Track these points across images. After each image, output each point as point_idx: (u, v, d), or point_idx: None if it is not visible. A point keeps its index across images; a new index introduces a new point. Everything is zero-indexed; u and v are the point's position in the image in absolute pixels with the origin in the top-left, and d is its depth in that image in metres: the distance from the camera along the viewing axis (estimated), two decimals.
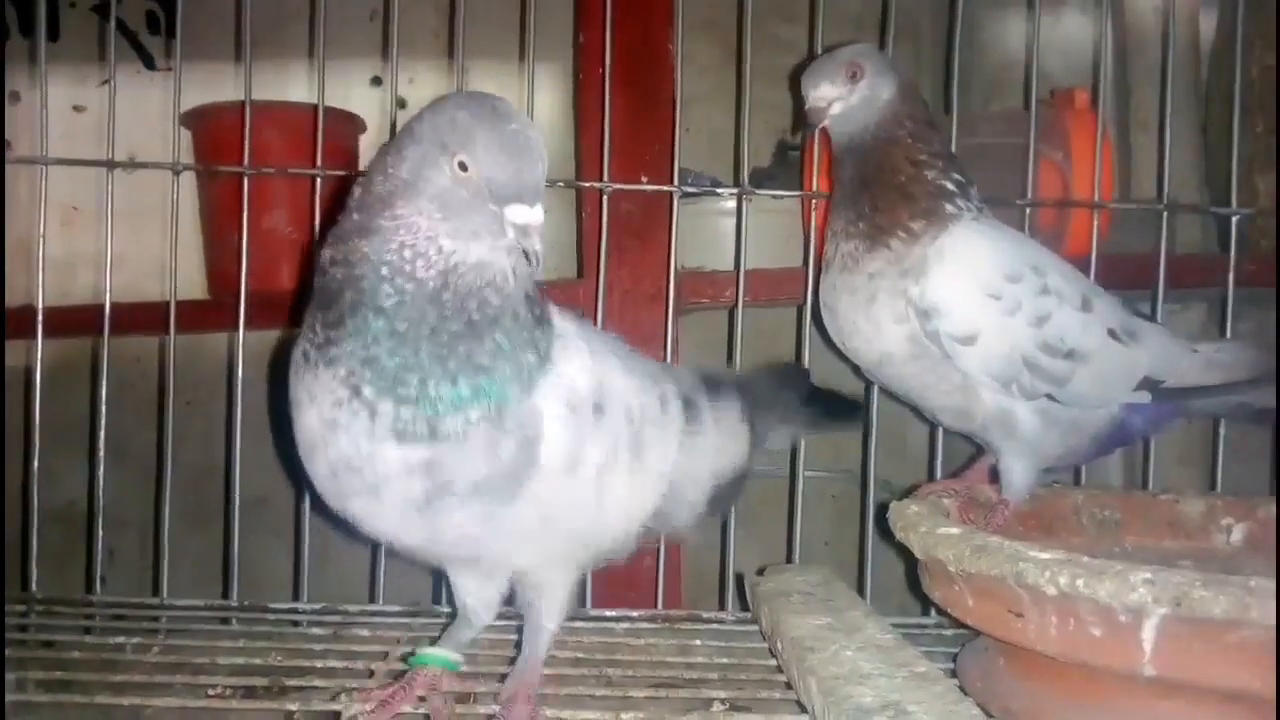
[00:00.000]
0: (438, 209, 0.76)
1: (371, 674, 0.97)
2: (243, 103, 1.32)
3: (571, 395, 0.82)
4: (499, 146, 0.74)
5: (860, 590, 1.29)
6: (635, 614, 1.22)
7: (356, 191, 0.80)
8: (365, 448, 0.77)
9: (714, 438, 0.99)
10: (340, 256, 0.78)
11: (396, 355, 0.75)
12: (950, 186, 1.09)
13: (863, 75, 1.09)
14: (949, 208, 1.08)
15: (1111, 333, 1.08)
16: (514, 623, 1.10)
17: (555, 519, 0.83)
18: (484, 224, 0.76)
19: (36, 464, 1.28)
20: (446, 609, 1.24)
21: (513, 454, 0.78)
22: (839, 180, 1.14)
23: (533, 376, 0.79)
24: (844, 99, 1.09)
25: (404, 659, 0.95)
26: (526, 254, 0.75)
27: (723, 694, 0.95)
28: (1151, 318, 1.20)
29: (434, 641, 0.95)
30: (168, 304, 1.32)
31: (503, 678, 0.89)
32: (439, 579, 1.29)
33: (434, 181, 0.76)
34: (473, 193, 0.75)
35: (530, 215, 0.75)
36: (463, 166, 0.75)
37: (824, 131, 1.16)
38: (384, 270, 0.76)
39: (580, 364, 0.84)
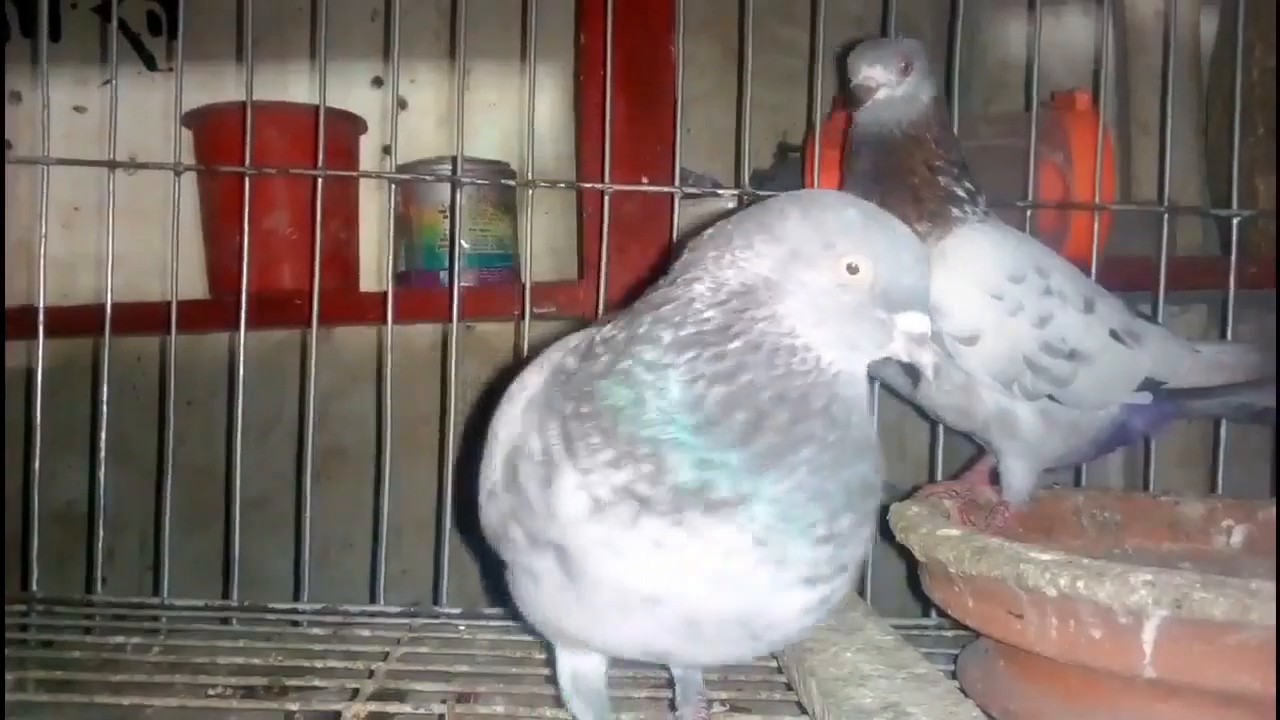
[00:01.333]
0: (812, 313, 0.67)
1: (371, 674, 0.97)
2: (244, 103, 1.32)
3: None
4: (900, 250, 0.68)
5: (860, 591, 1.29)
6: None
7: (698, 287, 0.68)
8: (765, 598, 0.68)
9: None
10: (713, 370, 0.66)
11: (805, 490, 0.66)
12: (960, 193, 1.08)
13: (912, 71, 1.08)
14: (955, 212, 1.07)
15: (1114, 334, 1.08)
16: (512, 623, 1.10)
17: None
18: (866, 332, 0.68)
19: (37, 464, 1.28)
20: (446, 609, 1.24)
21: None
22: (851, 170, 1.13)
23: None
24: (890, 88, 1.08)
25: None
26: (919, 366, 0.69)
27: (723, 695, 0.95)
28: (1153, 319, 1.20)
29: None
30: (169, 304, 1.32)
31: (499, 677, 0.89)
32: (439, 580, 1.29)
33: (811, 284, 0.67)
34: (859, 298, 0.68)
35: (926, 325, 0.69)
36: (852, 269, 0.67)
37: (831, 128, 1.15)
38: (768, 392, 0.66)
39: None
